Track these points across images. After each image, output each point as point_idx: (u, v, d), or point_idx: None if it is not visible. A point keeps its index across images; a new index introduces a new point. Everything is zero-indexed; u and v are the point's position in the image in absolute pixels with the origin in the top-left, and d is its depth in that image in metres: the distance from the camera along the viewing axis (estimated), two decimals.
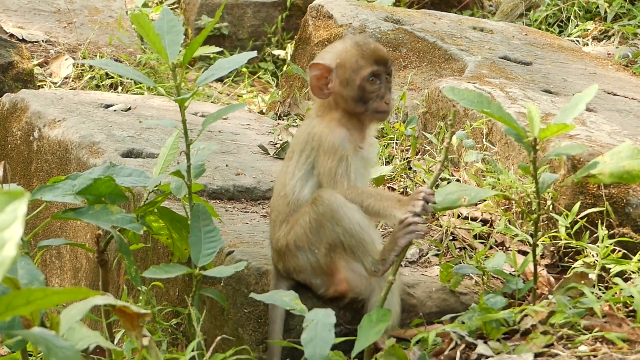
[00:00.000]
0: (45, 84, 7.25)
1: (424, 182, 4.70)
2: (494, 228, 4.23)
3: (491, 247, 4.13)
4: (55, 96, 5.49)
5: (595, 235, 3.92)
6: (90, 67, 7.40)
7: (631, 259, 3.82)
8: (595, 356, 3.20)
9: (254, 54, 3.75)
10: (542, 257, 4.07)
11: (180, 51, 3.60)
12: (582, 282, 3.61)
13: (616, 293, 3.58)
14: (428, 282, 3.83)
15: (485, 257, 3.86)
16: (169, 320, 3.92)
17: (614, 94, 5.31)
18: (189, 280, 3.79)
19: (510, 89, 5.01)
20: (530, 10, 8.26)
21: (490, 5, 10.00)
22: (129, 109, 5.45)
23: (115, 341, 3.74)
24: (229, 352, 3.38)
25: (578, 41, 7.40)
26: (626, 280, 3.74)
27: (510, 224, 4.21)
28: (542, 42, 6.28)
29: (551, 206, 4.02)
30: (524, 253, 4.08)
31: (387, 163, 5.00)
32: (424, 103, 5.20)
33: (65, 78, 7.39)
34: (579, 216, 3.96)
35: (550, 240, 4.04)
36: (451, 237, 4.23)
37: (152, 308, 3.82)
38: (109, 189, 3.50)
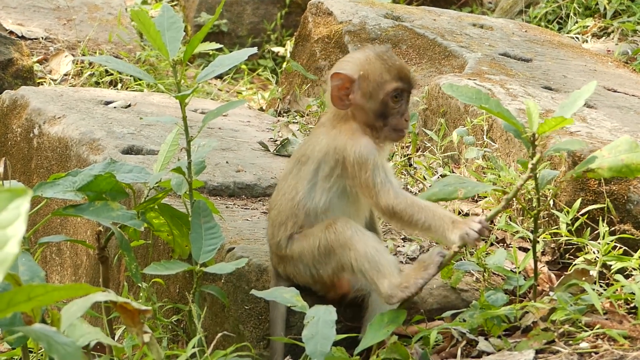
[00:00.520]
0: (44, 81, 7.25)
1: (425, 178, 4.70)
2: (494, 225, 4.22)
3: (492, 244, 4.13)
4: (55, 93, 5.49)
5: (596, 232, 3.92)
6: (90, 64, 7.39)
7: (632, 255, 3.82)
8: (596, 353, 3.20)
9: (254, 50, 3.74)
10: (543, 253, 4.07)
11: (180, 48, 3.60)
12: (583, 278, 3.61)
13: (617, 290, 3.58)
14: None
15: (486, 253, 3.85)
16: (170, 317, 3.92)
17: (614, 91, 5.31)
18: (189, 277, 3.79)
19: (510, 85, 5.01)
20: (529, 7, 8.26)
21: (490, 2, 10.00)
22: (129, 105, 5.44)
23: (116, 338, 3.74)
24: (230, 349, 3.37)
25: (577, 38, 7.40)
26: (627, 277, 3.74)
27: (511, 220, 4.21)
28: (542, 39, 6.28)
29: (552, 203, 4.02)
30: (525, 250, 4.09)
31: (388, 160, 4.99)
32: (424, 100, 5.19)
33: (65, 75, 7.39)
34: (580, 213, 3.96)
35: (551, 237, 4.04)
36: None
37: (153, 305, 3.81)
38: (109, 186, 3.50)
